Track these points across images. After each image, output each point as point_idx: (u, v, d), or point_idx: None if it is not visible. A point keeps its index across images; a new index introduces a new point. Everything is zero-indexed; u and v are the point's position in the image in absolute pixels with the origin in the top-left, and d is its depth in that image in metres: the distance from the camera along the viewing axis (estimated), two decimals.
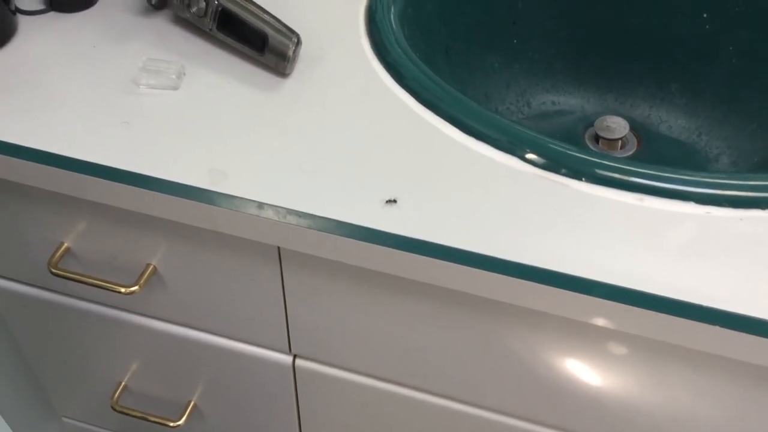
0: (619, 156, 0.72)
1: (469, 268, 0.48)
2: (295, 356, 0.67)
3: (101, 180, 0.53)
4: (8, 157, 0.54)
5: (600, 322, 0.48)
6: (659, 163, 0.53)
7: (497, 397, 0.62)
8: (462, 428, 0.66)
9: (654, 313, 0.46)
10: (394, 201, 0.50)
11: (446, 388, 0.63)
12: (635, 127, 0.74)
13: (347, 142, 0.55)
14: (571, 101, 0.76)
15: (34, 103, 0.57)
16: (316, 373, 0.67)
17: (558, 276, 0.47)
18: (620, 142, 0.72)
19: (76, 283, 0.67)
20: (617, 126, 0.72)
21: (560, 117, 0.76)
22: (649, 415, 0.57)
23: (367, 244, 0.49)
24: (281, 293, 0.60)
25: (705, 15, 0.71)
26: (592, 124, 0.74)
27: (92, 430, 0.91)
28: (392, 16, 0.64)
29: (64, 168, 0.53)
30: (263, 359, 0.68)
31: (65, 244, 0.64)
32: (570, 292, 0.47)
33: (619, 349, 0.54)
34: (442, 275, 0.49)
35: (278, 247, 0.56)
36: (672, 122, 0.74)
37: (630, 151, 0.73)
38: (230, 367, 0.70)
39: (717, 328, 0.45)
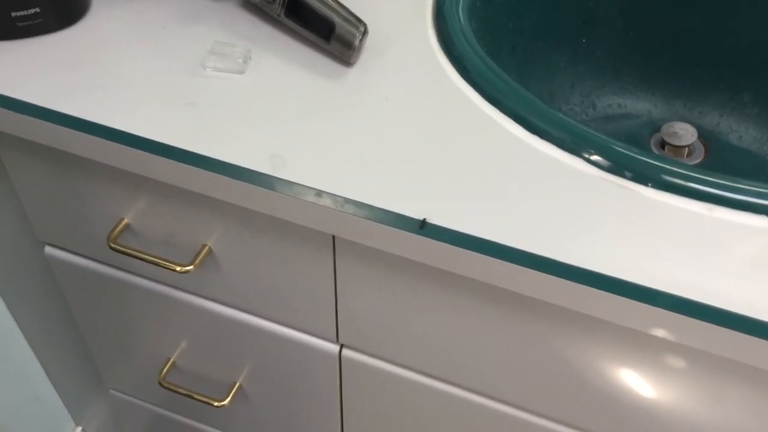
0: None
1: (526, 269, 0.47)
2: (342, 346, 0.67)
3: (164, 159, 0.54)
4: (76, 131, 0.55)
5: (660, 333, 0.47)
6: (727, 174, 0.51)
7: (546, 401, 0.60)
8: (506, 431, 0.65)
9: (718, 327, 0.44)
10: (423, 222, 0.49)
11: (493, 388, 0.62)
12: (703, 135, 0.72)
13: (408, 134, 0.55)
14: (637, 105, 0.74)
15: (103, 80, 0.58)
16: (362, 364, 0.67)
17: (619, 283, 0.46)
18: (687, 149, 0.70)
19: (132, 259, 0.69)
20: (685, 133, 0.70)
21: (626, 120, 0.74)
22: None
23: (423, 238, 0.49)
24: (333, 282, 0.60)
25: None
26: (658, 130, 0.72)
27: (138, 404, 0.93)
28: (460, 10, 0.63)
29: (128, 145, 0.54)
30: (310, 346, 0.68)
31: (125, 220, 0.65)
32: (631, 301, 0.45)
33: (676, 362, 0.52)
34: (499, 274, 0.49)
35: (333, 236, 0.56)
36: (742, 132, 0.72)
37: (697, 160, 0.70)
38: (277, 351, 0.71)
39: None
